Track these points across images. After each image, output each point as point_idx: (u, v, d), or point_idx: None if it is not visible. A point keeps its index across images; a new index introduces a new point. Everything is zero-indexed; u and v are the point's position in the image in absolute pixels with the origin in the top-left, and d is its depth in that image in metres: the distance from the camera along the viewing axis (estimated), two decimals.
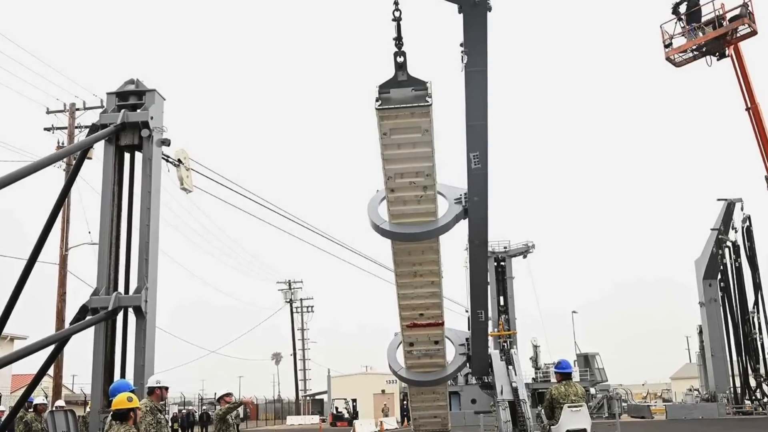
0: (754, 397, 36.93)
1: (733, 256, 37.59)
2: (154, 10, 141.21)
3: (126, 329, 9.75)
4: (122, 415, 6.27)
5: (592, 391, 41.18)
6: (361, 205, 9.54)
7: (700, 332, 41.50)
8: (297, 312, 60.40)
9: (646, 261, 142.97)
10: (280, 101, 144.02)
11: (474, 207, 8.80)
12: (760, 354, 36.44)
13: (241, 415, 11.57)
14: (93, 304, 9.50)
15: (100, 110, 10.55)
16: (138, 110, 10.03)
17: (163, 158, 10.60)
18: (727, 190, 76.49)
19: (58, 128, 24.66)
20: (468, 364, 12.25)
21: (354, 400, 51.29)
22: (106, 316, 9.37)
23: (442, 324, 10.99)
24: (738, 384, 37.16)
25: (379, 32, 7.80)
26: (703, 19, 31.64)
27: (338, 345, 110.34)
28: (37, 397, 13.53)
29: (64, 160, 21.17)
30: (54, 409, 13.15)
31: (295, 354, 59.08)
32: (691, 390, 43.88)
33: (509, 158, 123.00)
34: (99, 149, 10.60)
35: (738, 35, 31.30)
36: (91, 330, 9.44)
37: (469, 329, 11.92)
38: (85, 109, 24.53)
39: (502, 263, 45.83)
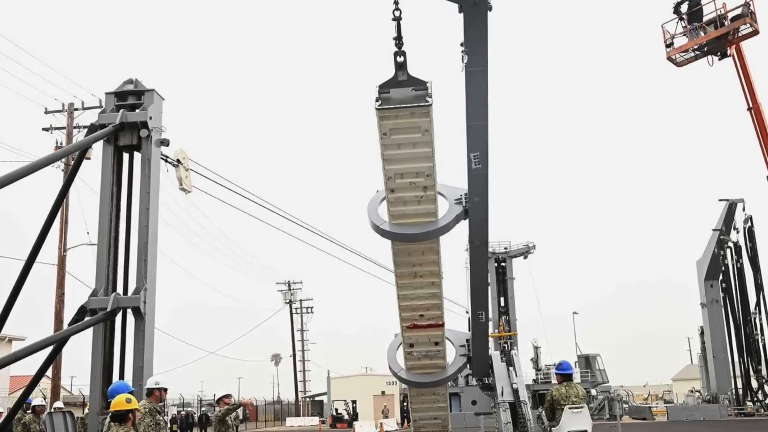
0: (755, 399, 36.85)
1: (734, 257, 37.54)
2: (152, 10, 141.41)
3: (125, 330, 9.73)
4: (121, 417, 6.26)
5: (593, 392, 41.12)
6: (361, 205, 9.51)
7: (702, 333, 41.45)
8: (296, 313, 60.42)
9: (648, 262, 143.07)
10: (279, 101, 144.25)
11: (474, 207, 8.77)
12: (761, 355, 36.37)
13: (241, 417, 11.57)
14: (91, 305, 9.47)
15: (99, 110, 10.54)
16: (137, 110, 10.01)
17: (162, 158, 10.58)
18: (728, 190, 76.60)
19: (56, 128, 24.64)
20: (468, 366, 12.22)
21: (354, 402, 51.22)
22: (105, 317, 9.34)
23: (443, 325, 10.95)
24: (740, 385, 37.08)
25: (379, 32, 7.76)
26: (705, 19, 31.57)
27: (338, 346, 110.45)
28: (36, 399, 13.50)
29: (63, 160, 21.15)
30: (52, 410, 13.14)
31: (294, 355, 59.08)
32: (692, 391, 43.83)
33: (510, 158, 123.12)
34: (98, 149, 10.56)
35: (739, 35, 31.23)
36: (90, 331, 9.41)
37: (469, 330, 11.89)
38: (84, 109, 24.51)
39: (503, 264, 45.77)
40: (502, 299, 45.45)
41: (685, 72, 34.19)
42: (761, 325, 36.42)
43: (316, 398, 62.53)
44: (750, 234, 37.37)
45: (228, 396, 10.91)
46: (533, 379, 42.59)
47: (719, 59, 32.07)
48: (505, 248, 45.67)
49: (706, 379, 40.77)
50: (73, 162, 11.33)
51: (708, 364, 39.66)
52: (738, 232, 37.71)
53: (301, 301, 60.59)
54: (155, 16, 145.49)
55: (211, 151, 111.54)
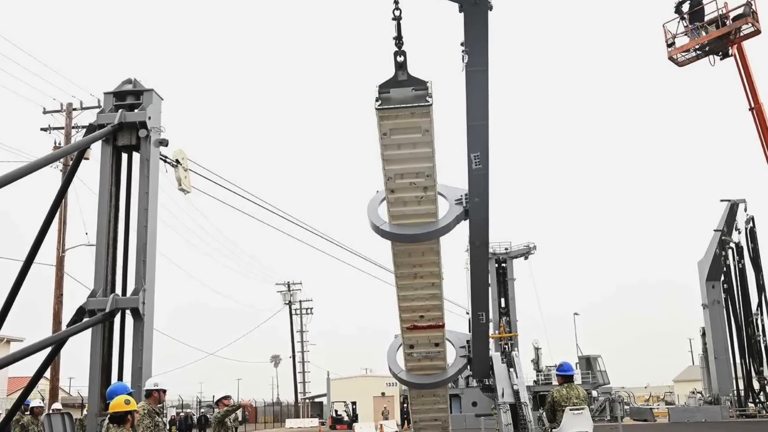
0: (757, 400, 36.76)
1: (736, 258, 37.47)
2: (151, 10, 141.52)
3: (123, 331, 9.71)
4: (120, 418, 6.25)
5: (594, 393, 41.09)
6: (361, 206, 9.47)
7: (703, 334, 41.40)
8: (296, 314, 60.35)
9: (649, 262, 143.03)
10: (279, 101, 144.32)
11: (475, 208, 8.73)
12: (763, 356, 36.28)
13: (240, 418, 11.53)
14: (90, 306, 9.44)
15: (98, 110, 10.51)
16: (135, 110, 9.97)
17: (160, 159, 10.54)
18: (730, 190, 76.60)
19: (54, 128, 24.59)
20: (469, 367, 12.17)
21: (354, 403, 51.17)
22: (104, 318, 9.31)
23: (443, 326, 10.91)
24: (741, 387, 37.01)
25: (379, 31, 7.72)
26: (706, 18, 31.48)
27: (338, 347, 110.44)
28: (34, 400, 13.46)
29: (61, 160, 21.10)
30: (51, 412, 13.12)
31: (294, 356, 59.03)
32: (694, 393, 43.82)
33: (510, 159, 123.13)
34: (96, 149, 10.52)
35: (741, 34, 31.14)
36: (89, 332, 9.38)
37: (469, 331, 11.84)
38: (82, 109, 24.48)
39: (503, 265, 45.76)
40: (502, 300, 45.44)
41: (687, 72, 34.22)
42: (763, 326, 36.35)
43: (316, 399, 62.46)
44: (752, 234, 37.31)
45: (227, 397, 10.88)
46: (534, 381, 42.57)
47: (721, 59, 32.00)
48: (506, 249, 45.67)
49: (708, 381, 40.70)
50: (71, 162, 11.28)
51: (709, 365, 39.60)
52: (740, 233, 37.66)
53: (300, 302, 60.57)
54: (154, 16, 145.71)
55: (210, 152, 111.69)
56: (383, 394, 51.85)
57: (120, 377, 9.44)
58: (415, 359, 11.52)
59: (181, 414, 40.52)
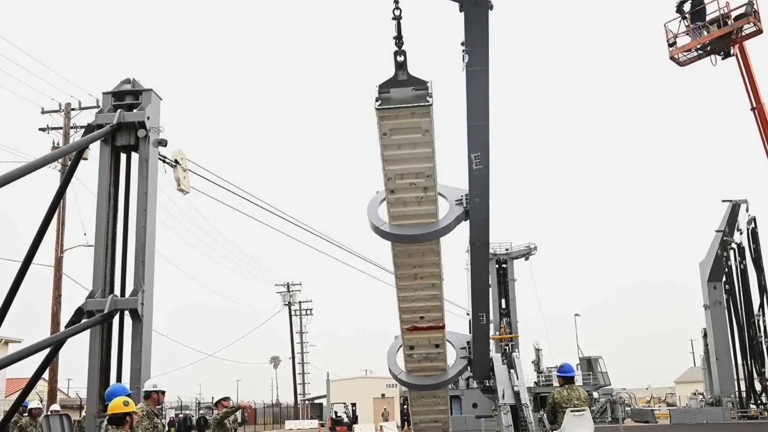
0: (759, 402, 36.70)
1: (738, 258, 37.42)
2: (150, 10, 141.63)
3: (122, 332, 9.67)
4: (118, 420, 6.24)
5: (595, 395, 41.04)
6: (361, 206, 9.45)
7: (705, 335, 41.37)
8: (296, 315, 60.30)
9: (650, 263, 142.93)
10: (278, 101, 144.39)
11: (475, 208, 8.71)
12: (765, 357, 36.23)
13: (239, 420, 11.49)
14: (89, 307, 9.40)
15: (96, 110, 10.45)
16: (134, 110, 9.93)
17: (159, 159, 10.49)
18: (732, 191, 76.59)
19: (53, 128, 24.53)
20: (469, 368, 12.15)
21: (353, 405, 51.13)
22: (102, 319, 9.27)
23: (443, 327, 10.89)
24: (743, 388, 36.94)
25: (380, 31, 7.69)
26: (708, 18, 31.45)
27: (337, 348, 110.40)
28: (32, 402, 13.43)
29: (60, 160, 21.08)
30: (49, 413, 13.08)
31: (293, 357, 58.98)
32: (695, 394, 43.76)
33: (511, 159, 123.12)
34: (95, 150, 10.49)
35: (743, 34, 31.11)
36: (87, 333, 9.34)
37: (470, 332, 11.82)
38: (81, 109, 24.42)
39: (504, 265, 45.76)
40: (503, 301, 45.44)
41: (688, 71, 34.14)
42: (765, 327, 36.28)
43: (316, 401, 62.41)
44: (753, 235, 37.26)
45: (226, 399, 10.85)
46: (534, 382, 42.57)
47: (722, 59, 31.96)
48: (507, 250, 45.68)
49: (709, 382, 40.66)
50: (70, 162, 11.23)
51: (711, 366, 39.55)
52: (741, 234, 37.63)
53: (300, 302, 60.51)
54: (153, 15, 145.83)
55: (209, 152, 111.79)
56: (383, 395, 51.81)
57: (119, 378, 9.40)
58: (416, 360, 11.49)
59: (180, 415, 40.43)
